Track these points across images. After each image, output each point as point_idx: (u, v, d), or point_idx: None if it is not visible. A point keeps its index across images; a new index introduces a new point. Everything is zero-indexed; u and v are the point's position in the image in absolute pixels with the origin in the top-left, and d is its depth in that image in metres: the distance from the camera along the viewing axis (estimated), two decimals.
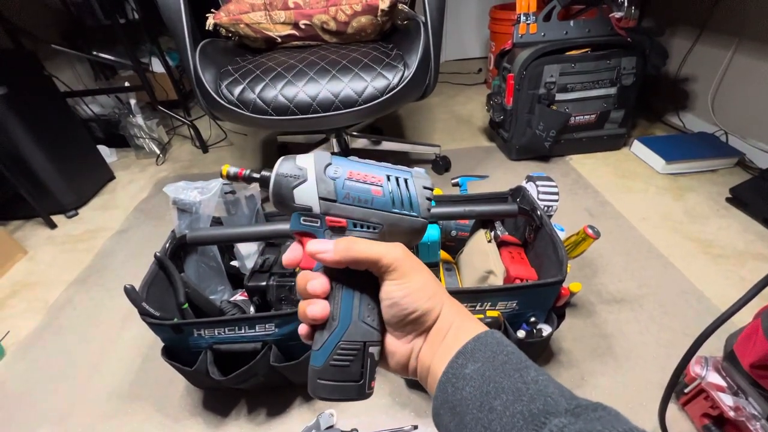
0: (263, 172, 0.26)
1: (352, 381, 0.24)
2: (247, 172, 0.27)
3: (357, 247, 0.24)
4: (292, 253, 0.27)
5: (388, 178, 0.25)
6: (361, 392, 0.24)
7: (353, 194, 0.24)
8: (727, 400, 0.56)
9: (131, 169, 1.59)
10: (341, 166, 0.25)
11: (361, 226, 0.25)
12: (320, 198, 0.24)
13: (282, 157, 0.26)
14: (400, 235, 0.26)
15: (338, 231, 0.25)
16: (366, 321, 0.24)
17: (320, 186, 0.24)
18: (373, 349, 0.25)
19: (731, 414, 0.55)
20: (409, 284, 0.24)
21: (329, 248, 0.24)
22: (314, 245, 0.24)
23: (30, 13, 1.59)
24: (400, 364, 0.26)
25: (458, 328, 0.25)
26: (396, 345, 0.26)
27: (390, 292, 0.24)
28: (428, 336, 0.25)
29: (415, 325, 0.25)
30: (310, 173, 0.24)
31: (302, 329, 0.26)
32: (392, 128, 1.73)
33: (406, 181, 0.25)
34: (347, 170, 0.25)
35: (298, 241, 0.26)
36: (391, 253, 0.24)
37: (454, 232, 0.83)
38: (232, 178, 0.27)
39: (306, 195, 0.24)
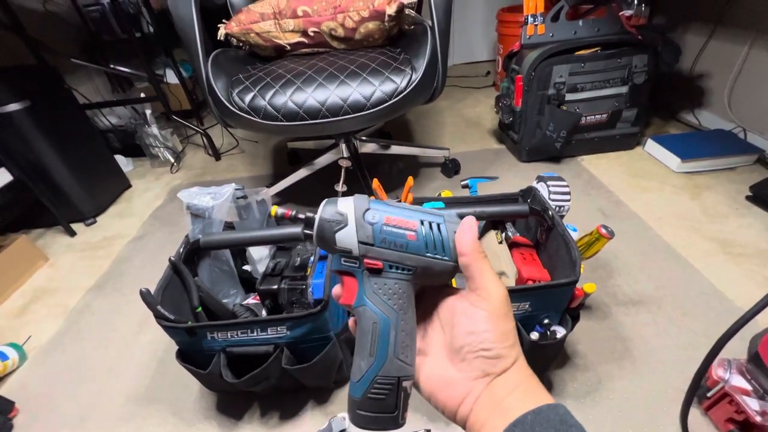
0: (308, 214, 0.28)
1: (387, 413, 0.25)
2: (293, 213, 0.30)
3: (481, 264, 0.25)
4: (338, 289, 0.28)
5: (422, 223, 0.26)
6: (395, 423, 0.26)
7: (389, 239, 0.26)
8: (752, 404, 0.54)
9: (147, 178, 1.63)
10: (379, 212, 0.26)
11: (396, 268, 0.26)
12: (359, 242, 0.26)
13: (325, 201, 0.27)
14: (431, 276, 0.27)
15: (375, 272, 0.26)
16: (400, 357, 0.25)
17: (360, 231, 0.26)
18: (407, 383, 0.26)
19: (758, 419, 0.53)
20: (497, 326, 0.25)
21: (470, 237, 0.26)
22: (471, 225, 0.26)
23: (51, 29, 1.66)
24: (451, 400, 0.25)
25: (525, 391, 0.24)
26: (455, 378, 0.25)
27: (476, 323, 0.25)
28: (492, 385, 0.24)
29: (484, 363, 0.24)
30: (350, 218, 0.26)
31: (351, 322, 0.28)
32: (401, 132, 1.74)
33: (438, 226, 0.26)
34: (384, 216, 0.26)
35: (340, 279, 0.28)
36: (496, 291, 0.25)
37: None
38: (280, 218, 0.32)
39: (346, 239, 0.26)
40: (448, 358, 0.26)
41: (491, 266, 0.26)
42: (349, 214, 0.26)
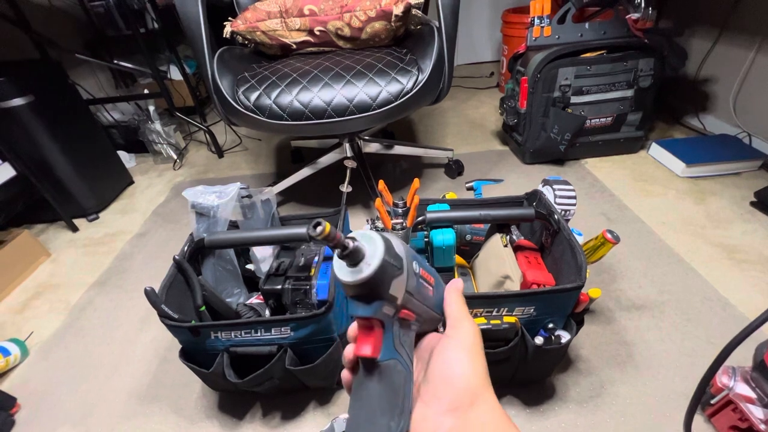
0: (356, 244, 0.21)
1: None
2: (343, 238, 0.21)
3: (461, 305, 0.28)
4: (355, 338, 0.26)
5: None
6: None
7: (422, 292, 0.25)
8: (757, 413, 0.54)
9: (149, 174, 1.63)
10: (417, 262, 0.25)
11: (417, 320, 0.26)
12: (406, 291, 0.23)
13: (388, 235, 0.23)
14: (428, 327, 0.29)
15: (405, 324, 0.25)
16: (411, 409, 0.25)
17: (410, 280, 0.23)
18: None
19: (762, 427, 0.53)
20: (470, 359, 0.25)
21: (455, 288, 0.29)
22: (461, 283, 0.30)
23: (55, 24, 1.65)
24: None
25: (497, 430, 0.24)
26: (425, 414, 0.24)
27: (450, 353, 0.25)
28: (462, 422, 0.23)
29: (454, 395, 0.24)
30: (404, 264, 0.23)
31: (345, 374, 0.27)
32: (404, 132, 1.73)
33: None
34: (420, 268, 0.25)
35: (367, 327, 0.24)
36: (469, 327, 0.27)
37: (469, 237, 0.83)
38: (330, 237, 0.20)
39: (398, 286, 0.22)
40: (421, 395, 0.25)
41: (468, 310, 0.28)
42: (404, 259, 0.22)
